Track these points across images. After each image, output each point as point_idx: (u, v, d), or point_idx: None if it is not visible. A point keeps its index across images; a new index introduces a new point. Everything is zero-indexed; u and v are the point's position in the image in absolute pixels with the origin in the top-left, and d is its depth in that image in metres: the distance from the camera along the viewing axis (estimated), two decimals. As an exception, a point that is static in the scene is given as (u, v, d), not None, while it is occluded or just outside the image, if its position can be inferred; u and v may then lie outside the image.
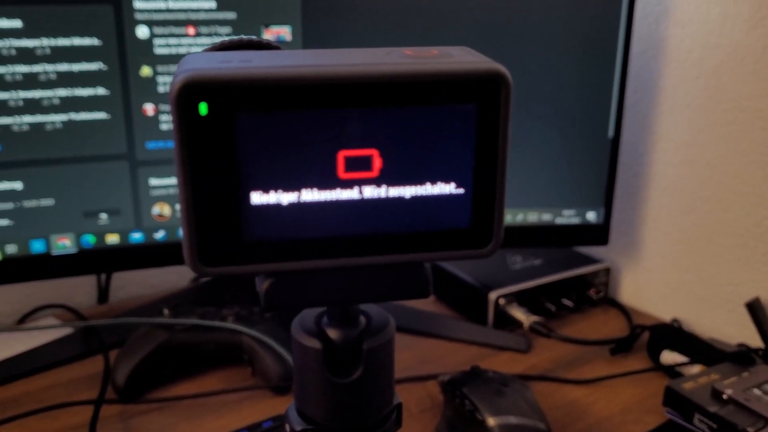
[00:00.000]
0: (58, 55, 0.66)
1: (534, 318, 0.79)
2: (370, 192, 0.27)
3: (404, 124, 0.26)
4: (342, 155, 0.26)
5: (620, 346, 0.77)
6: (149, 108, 0.70)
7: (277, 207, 0.26)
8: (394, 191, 0.27)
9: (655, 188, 0.85)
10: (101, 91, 0.68)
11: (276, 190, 0.26)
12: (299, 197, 0.26)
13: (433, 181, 0.27)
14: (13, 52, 0.65)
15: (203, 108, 0.24)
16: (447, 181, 0.27)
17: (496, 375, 0.66)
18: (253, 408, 0.67)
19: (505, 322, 0.81)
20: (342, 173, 0.26)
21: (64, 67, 0.67)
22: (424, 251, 0.28)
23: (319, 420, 0.31)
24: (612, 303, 0.89)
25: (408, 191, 0.27)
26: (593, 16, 0.74)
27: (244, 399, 0.68)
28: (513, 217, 0.80)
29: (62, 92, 0.67)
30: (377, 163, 0.26)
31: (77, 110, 0.68)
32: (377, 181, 0.27)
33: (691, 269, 0.83)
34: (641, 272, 0.89)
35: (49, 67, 0.66)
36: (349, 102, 0.25)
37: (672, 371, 0.73)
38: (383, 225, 0.27)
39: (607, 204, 0.80)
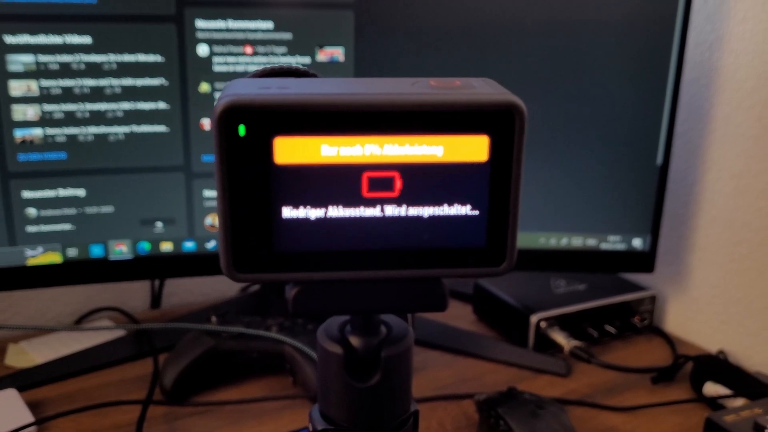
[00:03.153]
0: (124, 70, 0.70)
1: (575, 342, 0.79)
2: (391, 210, 0.29)
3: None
4: (366, 176, 0.28)
5: (662, 375, 0.76)
6: (206, 123, 0.73)
7: (305, 221, 0.28)
8: (414, 210, 0.29)
9: (705, 217, 0.84)
10: (162, 105, 0.72)
11: (305, 206, 0.28)
12: (326, 213, 0.28)
13: (450, 203, 0.29)
14: (83, 66, 0.69)
15: (242, 130, 0.27)
16: (463, 203, 0.29)
17: (533, 397, 0.66)
18: (292, 416, 0.69)
19: (545, 345, 0.81)
20: (365, 192, 0.28)
21: (128, 81, 0.70)
22: (441, 267, 0.30)
23: (339, 421, 0.33)
24: (656, 332, 0.88)
25: (426, 211, 0.29)
26: (645, 43, 0.75)
27: (285, 407, 0.70)
28: (558, 241, 0.80)
29: (126, 105, 0.71)
30: (398, 184, 0.28)
31: (139, 123, 0.72)
32: (398, 201, 0.29)
33: (740, 301, 0.82)
34: (688, 302, 0.87)
35: (115, 82, 0.70)
36: (373, 128, 0.27)
37: (714, 403, 0.72)
38: (403, 241, 0.29)
39: (654, 231, 0.80)
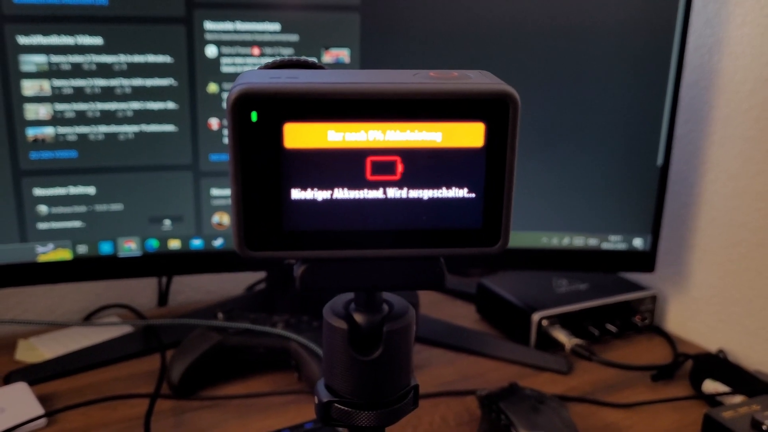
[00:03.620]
0: (134, 70, 0.71)
1: (576, 341, 0.80)
2: (392, 193, 0.30)
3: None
4: (369, 160, 0.30)
5: (662, 373, 0.77)
6: (214, 122, 0.74)
7: (313, 202, 0.30)
8: (414, 193, 0.31)
9: (704, 218, 0.85)
10: (171, 105, 0.73)
11: (312, 188, 0.30)
12: (332, 195, 0.30)
13: (448, 186, 0.31)
14: (94, 66, 0.70)
15: (254, 116, 0.29)
16: (460, 186, 0.31)
17: (534, 392, 0.67)
18: (297, 411, 0.70)
19: (547, 343, 0.82)
20: (369, 176, 0.30)
21: (138, 81, 0.72)
22: (439, 247, 0.32)
23: (343, 394, 0.35)
24: (657, 331, 0.89)
25: (426, 193, 0.31)
26: (646, 46, 0.76)
27: (290, 402, 0.71)
28: (559, 240, 0.81)
29: (135, 105, 0.72)
30: (399, 168, 0.30)
31: (148, 122, 0.73)
32: (399, 184, 0.30)
33: (739, 301, 0.83)
34: (688, 301, 0.89)
35: (125, 82, 0.71)
36: (377, 115, 0.29)
37: (713, 400, 0.73)
38: (404, 222, 0.31)
39: (654, 231, 0.81)
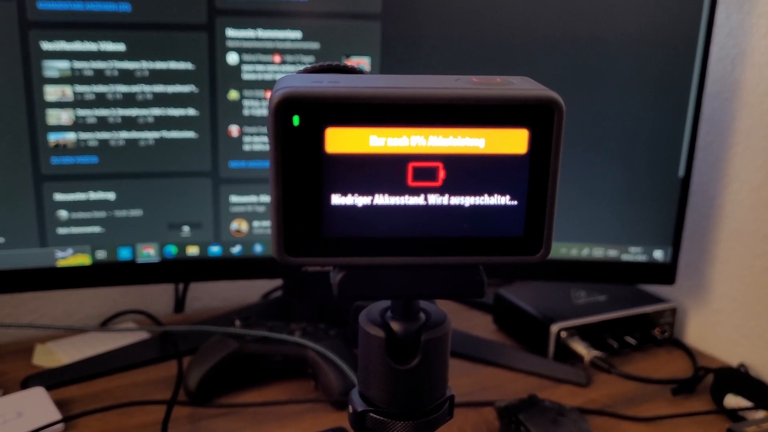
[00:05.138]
0: (155, 77, 0.72)
1: (595, 353, 0.79)
2: (434, 199, 0.30)
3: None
4: (411, 166, 0.29)
5: (683, 387, 0.76)
6: (234, 129, 0.75)
7: (353, 208, 0.30)
8: (455, 200, 0.30)
9: (726, 230, 0.85)
10: (191, 111, 0.73)
11: (353, 193, 0.30)
12: (372, 201, 0.30)
13: (491, 193, 0.30)
14: (116, 73, 0.71)
15: (296, 120, 0.28)
16: (503, 193, 0.30)
17: (553, 404, 0.67)
18: (314, 420, 0.69)
19: (565, 355, 0.81)
20: (410, 182, 0.30)
21: (159, 88, 0.72)
22: (480, 255, 0.31)
23: (379, 403, 0.35)
24: (677, 344, 0.88)
25: (467, 200, 0.30)
26: (668, 57, 0.75)
27: (306, 411, 0.71)
28: (578, 251, 0.80)
29: (156, 111, 0.72)
30: (441, 174, 0.30)
31: (169, 129, 0.73)
32: (441, 191, 0.30)
33: (761, 314, 0.82)
34: (709, 315, 0.87)
35: (146, 88, 0.72)
36: (419, 120, 0.29)
37: (735, 415, 0.72)
38: (444, 229, 0.31)
39: (675, 243, 0.80)
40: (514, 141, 0.29)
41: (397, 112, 0.29)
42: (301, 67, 0.35)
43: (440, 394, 0.36)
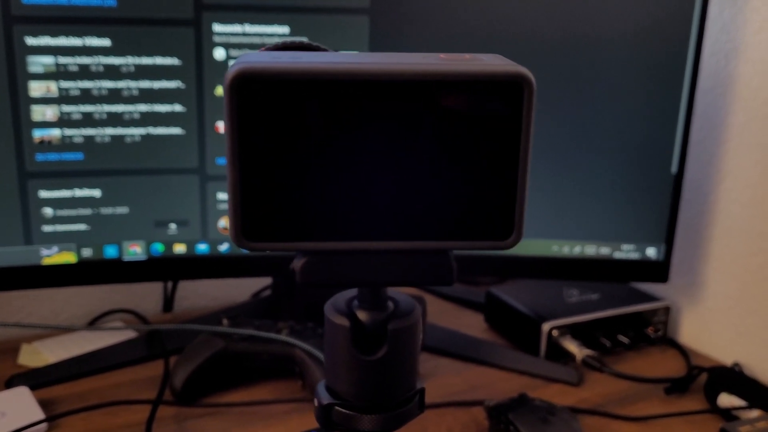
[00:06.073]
0: (141, 72, 0.71)
1: (587, 351, 0.78)
2: (400, 180, 0.29)
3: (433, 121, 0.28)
4: (374, 137, 0.28)
5: (676, 386, 0.75)
6: (221, 126, 0.74)
7: (314, 189, 0.28)
8: (422, 181, 0.29)
9: (720, 227, 0.84)
10: (178, 107, 0.72)
11: (316, 170, 0.28)
12: (336, 176, 0.28)
13: (459, 176, 0.29)
14: (101, 68, 0.70)
15: (253, 96, 0.27)
16: (470, 174, 0.29)
17: (544, 403, 0.66)
18: (301, 420, 0.68)
19: (557, 354, 0.80)
20: (375, 154, 0.28)
21: (145, 84, 0.71)
22: (449, 239, 0.30)
23: (346, 396, 0.33)
24: (670, 343, 0.87)
25: (435, 183, 0.29)
26: (660, 52, 0.75)
27: (293, 410, 0.70)
28: (570, 249, 0.79)
29: (142, 107, 0.72)
30: (408, 149, 0.28)
31: (155, 125, 0.72)
32: (407, 171, 0.29)
33: (756, 312, 0.81)
34: (703, 313, 0.87)
35: (132, 84, 0.71)
36: (382, 97, 0.28)
37: (729, 415, 0.71)
38: (412, 210, 0.29)
39: (668, 241, 0.79)
40: (482, 120, 0.28)
41: (358, 88, 0.27)
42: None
43: (410, 386, 0.34)
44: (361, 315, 0.33)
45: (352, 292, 0.34)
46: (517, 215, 0.29)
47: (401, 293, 0.35)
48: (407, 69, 0.27)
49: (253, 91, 0.27)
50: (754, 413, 0.69)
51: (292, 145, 0.28)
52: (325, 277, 0.30)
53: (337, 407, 0.33)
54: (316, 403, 0.34)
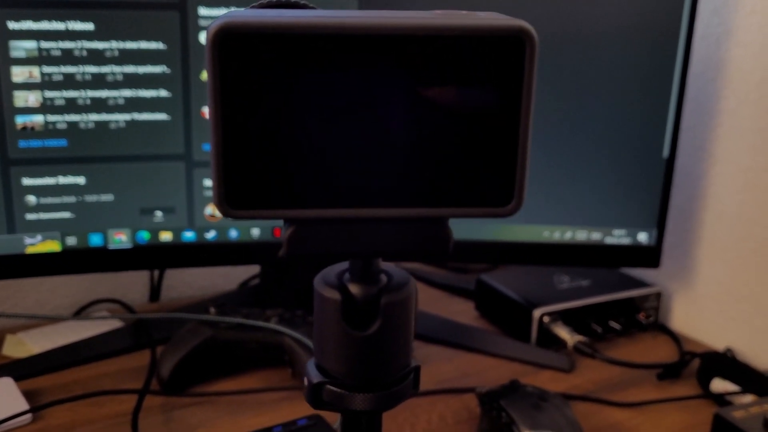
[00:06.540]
0: (126, 57, 0.69)
1: (578, 338, 0.77)
2: (394, 143, 0.27)
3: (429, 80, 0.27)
4: (364, 97, 0.26)
5: (668, 372, 0.75)
6: (207, 111, 0.72)
7: (303, 147, 0.27)
8: (417, 144, 0.27)
9: (711, 212, 0.83)
10: (163, 93, 0.71)
11: (302, 132, 0.27)
12: (325, 136, 0.27)
13: (455, 137, 0.27)
14: (84, 53, 0.68)
15: (236, 53, 0.25)
16: (469, 138, 0.27)
17: (535, 390, 0.65)
18: (291, 408, 0.67)
19: (548, 340, 0.80)
20: (365, 113, 0.27)
21: (130, 69, 0.70)
22: (445, 206, 0.28)
23: (336, 374, 0.32)
24: (662, 329, 0.86)
25: (432, 147, 0.27)
26: (652, 36, 0.74)
27: (283, 399, 0.69)
28: (561, 234, 0.79)
29: (127, 93, 0.70)
30: (402, 110, 0.27)
31: (140, 111, 0.71)
32: (401, 133, 0.27)
33: (748, 298, 0.80)
34: (694, 299, 0.86)
35: (117, 69, 0.70)
36: (372, 54, 0.26)
37: (722, 400, 0.70)
38: (405, 174, 0.27)
39: (659, 226, 0.79)
40: (480, 78, 0.26)
41: (346, 44, 0.26)
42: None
43: (404, 364, 0.32)
44: (353, 288, 0.31)
45: (344, 265, 0.32)
46: (518, 180, 0.28)
47: (396, 267, 0.33)
48: (401, 23, 0.26)
49: (236, 46, 0.25)
50: (747, 398, 0.69)
51: (277, 105, 0.26)
52: (313, 248, 0.29)
53: (328, 386, 0.32)
54: (305, 382, 0.33)
